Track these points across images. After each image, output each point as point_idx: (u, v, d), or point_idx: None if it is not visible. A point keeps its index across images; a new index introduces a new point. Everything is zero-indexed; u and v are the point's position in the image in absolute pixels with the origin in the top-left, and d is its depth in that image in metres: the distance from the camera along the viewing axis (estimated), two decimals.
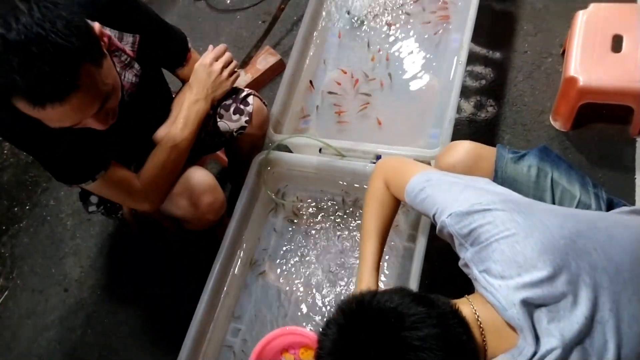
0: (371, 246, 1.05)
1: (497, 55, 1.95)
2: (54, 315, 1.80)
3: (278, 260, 1.48)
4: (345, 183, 1.51)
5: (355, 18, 1.83)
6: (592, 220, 0.85)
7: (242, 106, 1.44)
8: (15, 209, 2.13)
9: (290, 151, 1.60)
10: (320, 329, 0.78)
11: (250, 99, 1.46)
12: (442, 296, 0.80)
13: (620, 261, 0.78)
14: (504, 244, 0.77)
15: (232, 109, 1.44)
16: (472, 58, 1.93)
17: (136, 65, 1.25)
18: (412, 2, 1.78)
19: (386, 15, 1.80)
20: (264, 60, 2.19)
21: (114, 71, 1.07)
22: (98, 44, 1.00)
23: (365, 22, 1.81)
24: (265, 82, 2.21)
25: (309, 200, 1.55)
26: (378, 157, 1.45)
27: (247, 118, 1.44)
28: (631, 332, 0.73)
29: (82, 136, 1.14)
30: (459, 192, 0.88)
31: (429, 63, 1.67)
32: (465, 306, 0.80)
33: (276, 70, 2.20)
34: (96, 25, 1.03)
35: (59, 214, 2.03)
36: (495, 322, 0.78)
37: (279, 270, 1.47)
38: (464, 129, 1.80)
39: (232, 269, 1.44)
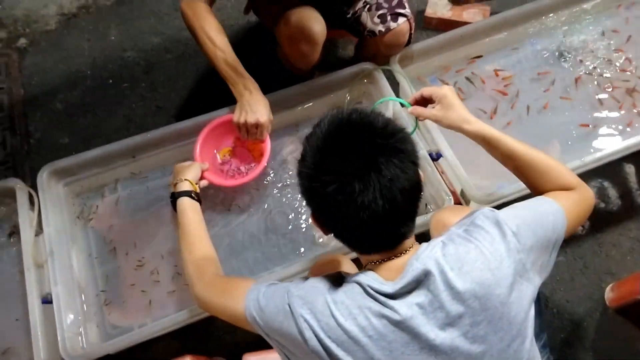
0: None
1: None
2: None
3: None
4: None
5: (562, 48, 1.67)
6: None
7: (389, 17, 1.44)
8: None
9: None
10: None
11: (400, 20, 1.44)
12: None
13: None
14: (476, 253, 0.79)
15: (380, 12, 1.44)
16: (617, 176, 1.73)
17: None
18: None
19: (588, 70, 1.62)
20: (473, 14, 2.09)
21: None
22: None
23: (564, 59, 1.65)
24: (446, 28, 2.11)
25: None
26: (438, 156, 1.42)
27: (382, 30, 1.44)
28: None
29: None
30: (523, 219, 0.86)
31: (570, 133, 1.53)
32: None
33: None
34: None
35: None
36: (400, 261, 0.82)
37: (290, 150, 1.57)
38: None
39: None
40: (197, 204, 1.24)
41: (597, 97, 1.57)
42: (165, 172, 1.52)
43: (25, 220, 1.34)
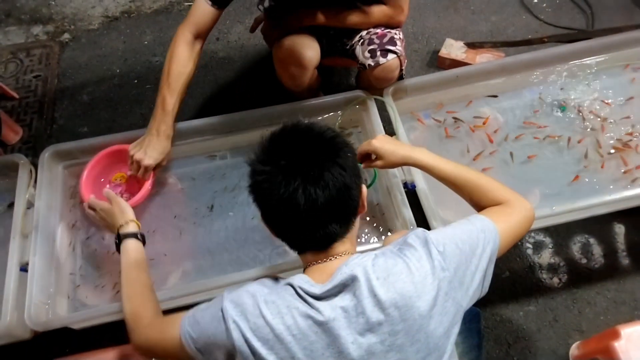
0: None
1: (625, 262, 1.68)
2: None
3: None
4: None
5: (559, 100, 1.68)
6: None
7: (379, 53, 1.50)
8: None
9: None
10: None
11: (390, 56, 1.49)
12: None
13: None
14: (403, 267, 0.84)
15: (371, 47, 1.51)
16: (605, 234, 1.71)
17: None
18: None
19: (582, 125, 1.63)
20: (487, 59, 2.12)
21: None
22: None
23: (559, 111, 1.66)
24: None
25: None
26: (412, 186, 1.46)
27: (372, 64, 1.50)
28: None
29: None
30: (452, 238, 0.90)
31: (554, 184, 1.52)
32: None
33: None
34: None
35: None
36: (331, 265, 0.88)
37: None
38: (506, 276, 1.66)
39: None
40: (141, 245, 1.24)
41: (587, 152, 1.57)
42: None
43: (21, 193, 1.46)
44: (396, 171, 1.47)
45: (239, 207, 1.57)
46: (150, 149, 1.38)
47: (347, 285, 0.83)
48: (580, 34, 2.17)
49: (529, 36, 2.23)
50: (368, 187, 1.53)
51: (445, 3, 2.41)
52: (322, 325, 0.81)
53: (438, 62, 2.19)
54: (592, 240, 1.71)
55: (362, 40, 1.55)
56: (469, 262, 0.89)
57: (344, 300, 0.82)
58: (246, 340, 0.81)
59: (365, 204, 0.95)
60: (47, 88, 2.24)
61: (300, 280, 0.85)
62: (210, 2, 1.39)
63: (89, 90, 2.24)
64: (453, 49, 2.16)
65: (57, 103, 2.21)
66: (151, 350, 1.00)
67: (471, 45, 2.16)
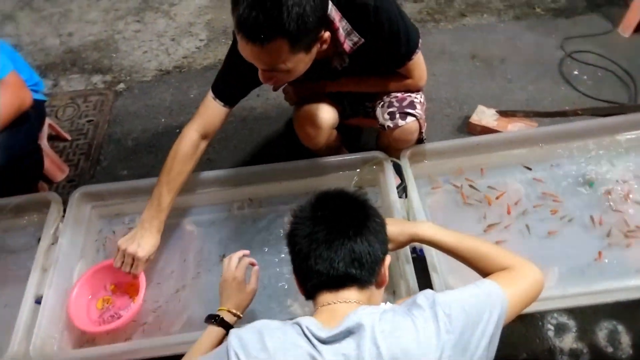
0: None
1: None
2: None
3: None
4: None
5: (584, 176, 1.62)
6: None
7: (398, 115, 1.52)
8: None
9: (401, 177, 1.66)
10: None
11: (409, 119, 1.52)
12: None
13: None
14: (409, 325, 0.85)
15: (390, 109, 1.54)
16: (635, 322, 1.58)
17: (346, 59, 1.39)
18: None
19: (607, 203, 1.55)
20: (519, 127, 2.10)
21: (301, 66, 1.17)
22: (307, 38, 1.11)
23: (584, 187, 1.60)
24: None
25: None
26: (421, 252, 1.43)
27: (391, 125, 1.53)
28: None
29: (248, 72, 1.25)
30: (459, 302, 0.90)
31: (574, 263, 1.45)
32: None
33: None
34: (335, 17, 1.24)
35: None
36: (341, 309, 0.90)
37: None
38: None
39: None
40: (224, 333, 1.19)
41: (611, 231, 1.49)
42: (175, 214, 1.66)
43: (49, 229, 1.56)
44: None
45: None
46: (143, 241, 1.41)
47: (352, 333, 0.84)
48: (617, 108, 2.11)
49: (566, 108, 2.18)
50: None
51: (482, 71, 2.43)
52: None
53: (469, 128, 2.18)
54: (620, 327, 1.58)
55: (382, 103, 1.58)
56: (475, 327, 0.88)
57: (348, 348, 0.83)
58: None
59: (387, 274, 0.98)
60: (97, 132, 2.41)
61: (309, 321, 0.87)
62: (222, 103, 1.45)
63: (134, 137, 2.39)
64: (485, 115, 2.15)
65: (104, 146, 2.37)
66: None
67: (504, 114, 2.15)
